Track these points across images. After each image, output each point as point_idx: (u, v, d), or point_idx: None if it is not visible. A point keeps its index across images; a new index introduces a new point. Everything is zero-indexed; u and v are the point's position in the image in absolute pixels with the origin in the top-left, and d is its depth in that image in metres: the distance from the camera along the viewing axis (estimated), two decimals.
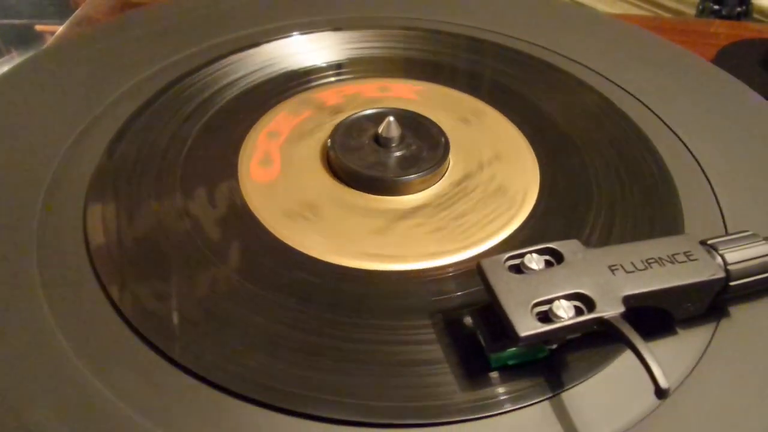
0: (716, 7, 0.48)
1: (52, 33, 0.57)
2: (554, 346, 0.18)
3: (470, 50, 0.34)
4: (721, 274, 0.19)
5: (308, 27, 0.34)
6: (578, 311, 0.17)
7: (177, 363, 0.19)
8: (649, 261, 0.18)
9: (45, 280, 0.21)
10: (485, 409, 0.18)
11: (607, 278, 0.18)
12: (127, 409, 0.18)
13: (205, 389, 0.18)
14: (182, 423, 0.18)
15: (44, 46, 0.43)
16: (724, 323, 0.21)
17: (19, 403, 0.18)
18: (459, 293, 0.21)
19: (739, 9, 0.48)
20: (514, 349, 0.18)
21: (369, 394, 0.18)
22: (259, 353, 0.19)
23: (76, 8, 0.54)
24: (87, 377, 0.18)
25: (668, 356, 0.20)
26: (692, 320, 0.20)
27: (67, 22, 0.45)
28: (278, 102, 0.29)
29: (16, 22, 0.57)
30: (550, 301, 0.17)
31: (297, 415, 0.18)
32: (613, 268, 0.18)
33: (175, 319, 0.20)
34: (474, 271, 0.21)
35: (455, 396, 0.18)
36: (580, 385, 0.19)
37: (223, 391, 0.18)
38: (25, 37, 0.57)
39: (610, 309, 0.17)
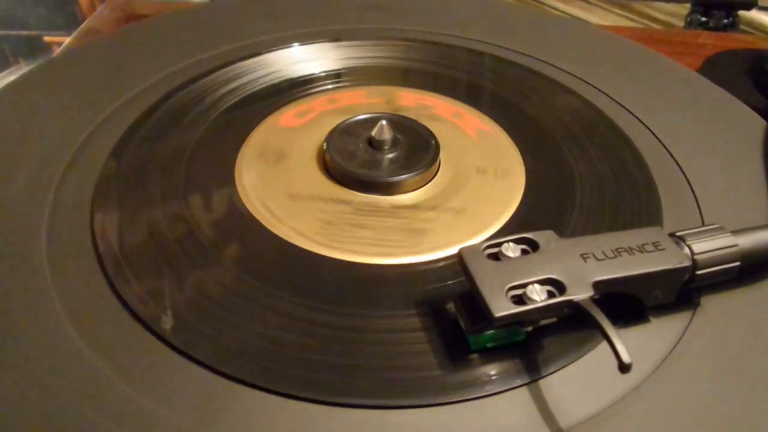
0: (703, 19, 0.49)
1: (60, 44, 0.59)
2: (529, 329, 0.20)
3: (465, 61, 0.35)
4: (688, 263, 0.20)
5: (306, 38, 0.36)
6: (551, 295, 0.19)
7: (181, 350, 0.20)
8: (619, 250, 0.20)
9: (55, 279, 0.22)
10: (467, 391, 0.19)
11: (578, 265, 0.19)
12: (135, 395, 0.19)
13: (206, 374, 0.20)
14: (185, 404, 0.19)
15: (51, 56, 0.44)
16: (698, 314, 0.22)
17: (35, 394, 0.19)
18: (443, 285, 0.23)
19: (725, 21, 0.49)
20: (492, 331, 0.19)
21: (347, 377, 0.20)
22: (256, 339, 0.20)
23: (83, 20, 0.56)
24: (98, 367, 0.19)
25: (643, 344, 0.21)
26: (667, 310, 0.22)
27: (74, 34, 0.46)
28: (277, 108, 0.31)
29: (25, 33, 0.59)
30: (525, 285, 0.19)
31: (277, 394, 0.19)
32: (585, 256, 0.19)
33: (177, 308, 0.21)
34: (456, 264, 0.23)
35: (437, 378, 0.20)
36: (560, 371, 0.20)
37: (227, 377, 0.19)
38: (33, 48, 0.59)
39: (580, 293, 0.18)
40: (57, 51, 0.60)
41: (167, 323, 0.21)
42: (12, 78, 0.52)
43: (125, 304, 0.21)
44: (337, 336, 0.21)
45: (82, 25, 0.47)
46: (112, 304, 0.22)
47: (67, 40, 0.45)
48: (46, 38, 0.59)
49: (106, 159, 0.27)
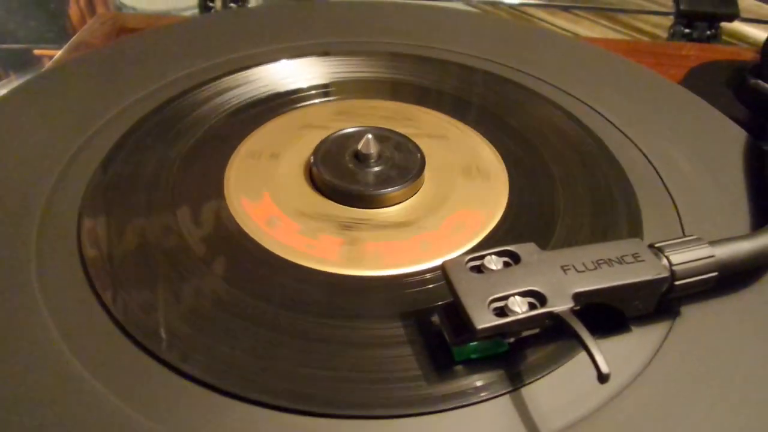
0: (687, 30, 0.50)
1: (50, 57, 0.59)
2: (512, 340, 0.20)
3: (450, 75, 0.36)
4: (666, 274, 0.20)
5: (294, 52, 0.36)
6: (532, 306, 0.19)
7: (168, 363, 0.20)
8: (599, 262, 0.20)
9: (45, 292, 0.22)
10: (452, 400, 0.20)
11: (559, 277, 0.20)
12: (126, 408, 0.19)
13: (195, 387, 0.20)
14: (175, 418, 0.19)
15: (42, 70, 0.45)
16: (678, 323, 0.22)
17: (22, 407, 0.19)
18: (428, 297, 0.23)
19: (708, 32, 0.50)
20: (475, 343, 0.20)
21: (335, 388, 0.20)
22: (242, 351, 0.21)
23: (74, 33, 0.56)
24: (89, 381, 0.20)
25: (624, 353, 0.21)
26: (648, 320, 0.22)
27: (65, 47, 0.47)
28: (265, 121, 0.31)
29: (15, 46, 0.59)
30: (506, 298, 0.19)
31: (256, 404, 0.19)
32: (565, 268, 0.20)
33: (164, 322, 0.22)
34: (435, 277, 0.23)
35: (423, 389, 0.20)
36: (542, 379, 0.20)
37: (216, 390, 0.20)
38: (23, 61, 0.59)
39: (560, 304, 0.19)
40: (48, 64, 0.60)
41: (155, 336, 0.21)
42: (3, 91, 0.52)
43: (114, 318, 0.22)
44: (324, 348, 0.21)
45: (72, 39, 0.48)
46: (101, 317, 0.22)
47: (57, 54, 0.46)
48: (36, 51, 0.59)
49: (94, 172, 0.28)
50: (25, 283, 0.23)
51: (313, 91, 0.34)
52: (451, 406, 0.19)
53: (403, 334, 0.22)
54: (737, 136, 0.32)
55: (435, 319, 0.22)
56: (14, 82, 0.57)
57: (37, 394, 0.19)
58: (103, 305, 0.22)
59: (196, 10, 0.66)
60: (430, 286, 0.23)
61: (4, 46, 0.58)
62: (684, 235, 0.25)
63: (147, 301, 0.22)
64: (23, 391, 0.19)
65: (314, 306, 0.22)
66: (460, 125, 0.32)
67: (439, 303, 0.22)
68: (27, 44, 0.59)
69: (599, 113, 0.33)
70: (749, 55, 0.48)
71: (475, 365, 0.20)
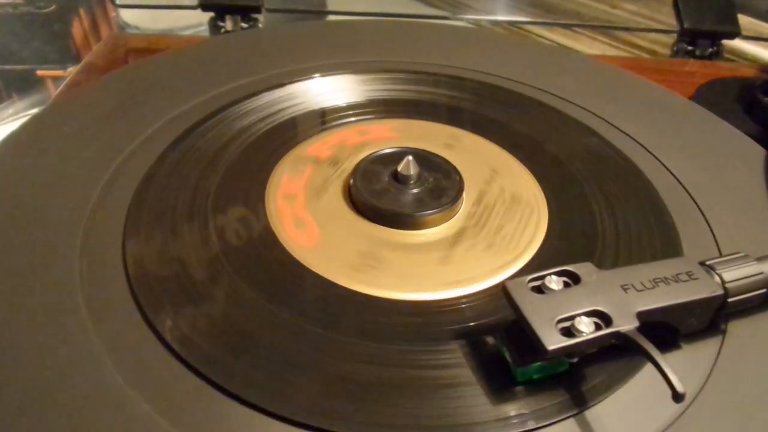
0: (690, 48, 0.51)
1: (53, 78, 0.59)
2: (575, 360, 0.20)
3: (485, 96, 0.36)
4: (720, 291, 0.21)
5: (326, 69, 0.36)
6: (597, 326, 0.19)
7: (210, 380, 0.20)
8: (656, 280, 0.20)
9: (90, 308, 0.22)
10: (517, 423, 0.20)
11: (620, 296, 0.20)
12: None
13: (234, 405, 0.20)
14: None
15: (65, 91, 0.44)
16: (728, 339, 0.23)
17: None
18: (479, 320, 0.23)
19: (710, 49, 0.51)
20: (538, 363, 0.20)
21: (397, 413, 0.20)
22: (293, 375, 0.21)
23: (77, 53, 0.56)
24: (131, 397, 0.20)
25: (681, 370, 0.21)
26: (696, 337, 0.22)
27: (76, 70, 0.47)
28: (303, 139, 0.31)
29: (18, 67, 0.59)
30: (572, 318, 0.19)
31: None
32: (625, 287, 0.20)
33: (207, 339, 0.22)
34: (492, 299, 0.23)
35: (484, 413, 0.20)
36: (603, 401, 0.20)
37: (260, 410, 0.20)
38: (26, 82, 0.58)
39: (625, 324, 0.19)
40: (51, 86, 0.60)
41: (199, 354, 0.21)
42: (8, 112, 0.52)
43: (160, 337, 0.22)
44: (384, 372, 0.21)
45: (82, 62, 0.48)
46: (148, 336, 0.22)
47: (69, 76, 0.45)
48: (39, 72, 0.59)
49: (136, 188, 0.28)
50: (73, 309, 0.23)
51: (350, 109, 0.34)
52: (521, 429, 0.20)
53: (460, 356, 0.22)
54: (757, 152, 0.32)
55: (490, 340, 0.22)
56: (17, 103, 0.57)
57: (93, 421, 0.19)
58: (153, 328, 0.22)
59: (198, 29, 0.66)
60: (482, 308, 0.23)
61: (7, 66, 0.58)
62: (721, 254, 0.26)
63: (199, 323, 0.22)
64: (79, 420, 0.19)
65: (367, 330, 0.22)
66: (495, 147, 0.32)
67: (493, 323, 0.22)
68: (30, 65, 0.58)
69: (624, 132, 0.33)
70: (750, 72, 0.49)
71: (537, 386, 0.20)
